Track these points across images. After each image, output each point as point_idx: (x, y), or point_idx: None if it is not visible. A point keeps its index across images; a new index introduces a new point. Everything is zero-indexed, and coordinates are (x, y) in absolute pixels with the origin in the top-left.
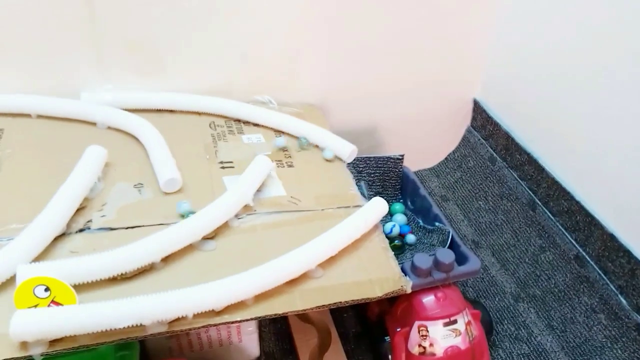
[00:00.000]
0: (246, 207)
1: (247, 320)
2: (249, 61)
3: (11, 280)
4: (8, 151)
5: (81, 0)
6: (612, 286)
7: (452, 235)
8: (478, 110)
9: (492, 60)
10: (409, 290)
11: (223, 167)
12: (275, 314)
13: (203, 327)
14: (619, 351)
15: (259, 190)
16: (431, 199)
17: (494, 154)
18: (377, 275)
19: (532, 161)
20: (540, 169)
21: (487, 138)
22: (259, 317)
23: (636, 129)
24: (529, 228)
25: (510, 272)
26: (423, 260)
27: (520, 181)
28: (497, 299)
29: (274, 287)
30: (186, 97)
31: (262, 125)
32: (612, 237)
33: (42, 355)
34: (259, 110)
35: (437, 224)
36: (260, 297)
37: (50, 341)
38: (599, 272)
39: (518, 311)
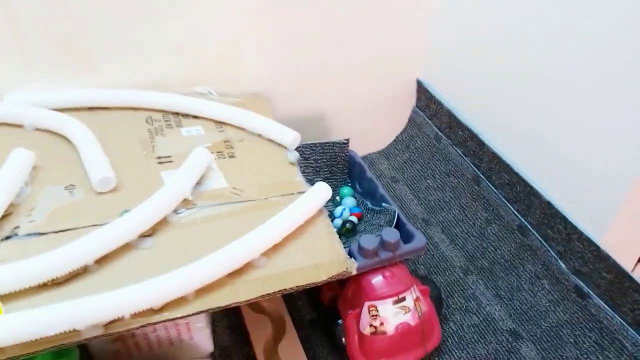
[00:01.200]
0: (185, 201)
1: (188, 315)
2: (185, 52)
3: None
4: None
5: None
6: (552, 252)
7: (397, 215)
8: (422, 90)
9: (433, 40)
10: (354, 272)
11: (161, 162)
12: (218, 307)
13: (142, 326)
14: (561, 313)
15: (198, 183)
16: (377, 181)
17: (439, 132)
18: (322, 260)
19: (473, 137)
20: (482, 144)
21: (432, 117)
22: (201, 312)
23: (569, 98)
24: (475, 202)
25: (459, 246)
26: (369, 240)
27: (465, 157)
28: (447, 274)
29: (215, 280)
30: (119, 92)
31: (202, 117)
32: (549, 205)
33: None
34: (198, 102)
35: (383, 204)
36: (202, 291)
37: None
38: (540, 239)
39: (467, 284)
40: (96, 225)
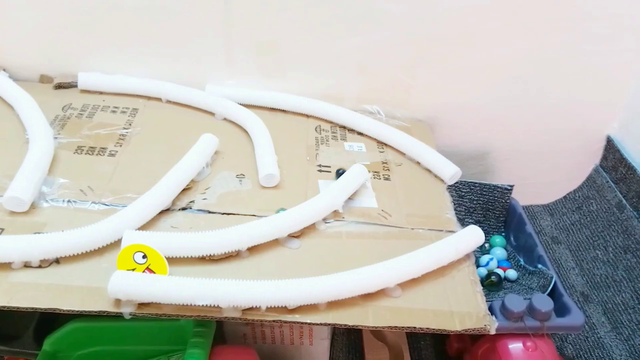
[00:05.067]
0: (335, 213)
1: (317, 324)
2: (364, 71)
3: (117, 242)
4: (138, 129)
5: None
6: None
7: (554, 281)
8: (611, 148)
9: (634, 95)
10: (492, 331)
11: (320, 170)
12: (346, 325)
13: (274, 321)
14: None
15: (350, 199)
16: (537, 238)
17: (624, 201)
18: (459, 308)
19: None
20: None
21: (618, 182)
22: (329, 324)
23: None
24: None
25: (624, 337)
26: (515, 302)
27: None
28: None
29: (348, 298)
30: (298, 99)
31: (366, 135)
32: None
33: (130, 315)
34: (365, 120)
35: (539, 266)
36: (334, 305)
37: (139, 304)
38: None
39: None
40: (255, 215)
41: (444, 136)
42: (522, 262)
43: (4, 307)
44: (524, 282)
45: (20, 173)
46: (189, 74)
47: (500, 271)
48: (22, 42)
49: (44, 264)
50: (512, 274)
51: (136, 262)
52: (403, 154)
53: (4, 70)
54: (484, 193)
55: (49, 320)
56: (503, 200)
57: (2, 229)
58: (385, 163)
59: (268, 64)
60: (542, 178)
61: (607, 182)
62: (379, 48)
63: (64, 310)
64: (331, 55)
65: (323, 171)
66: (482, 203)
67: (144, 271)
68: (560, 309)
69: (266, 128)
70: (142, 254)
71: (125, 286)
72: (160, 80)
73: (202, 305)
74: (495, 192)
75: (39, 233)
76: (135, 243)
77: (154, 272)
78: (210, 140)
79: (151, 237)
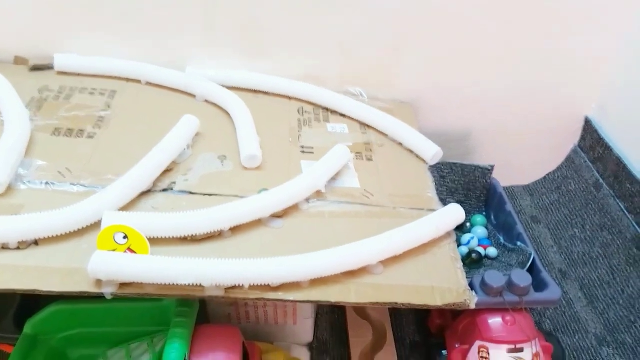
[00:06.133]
0: (318, 193)
1: (299, 301)
2: (345, 52)
3: (97, 224)
4: (117, 111)
5: None
6: None
7: (533, 258)
8: (589, 129)
9: (613, 77)
10: (472, 306)
11: (303, 152)
12: (329, 302)
13: (257, 299)
14: None
15: (333, 179)
16: (517, 217)
17: (601, 180)
18: (440, 284)
19: None
20: None
21: (595, 161)
22: (312, 302)
23: None
24: (630, 267)
25: (599, 311)
26: (495, 278)
27: (627, 214)
28: (576, 337)
29: (331, 275)
30: (280, 81)
31: (349, 117)
32: None
33: (111, 295)
34: (347, 101)
35: (519, 243)
36: (317, 282)
37: (121, 284)
38: None
39: (600, 356)
40: (237, 196)
41: (427, 118)
42: (502, 240)
43: None
44: (503, 260)
45: None
46: (168, 56)
47: (481, 249)
48: None
49: (22, 245)
50: (492, 251)
51: (117, 242)
52: (385, 135)
53: None
54: (466, 174)
55: (29, 305)
56: (484, 181)
57: None
58: (368, 144)
59: (249, 45)
60: (523, 159)
61: (585, 162)
62: (362, 29)
63: (43, 292)
64: (313, 36)
65: (306, 152)
66: (463, 183)
67: (125, 251)
68: (539, 285)
69: (248, 109)
70: (123, 235)
71: (105, 266)
72: (139, 61)
73: (185, 284)
74: (476, 172)
75: (16, 215)
76: (115, 224)
77: (136, 253)
78: (191, 122)
79: (132, 218)
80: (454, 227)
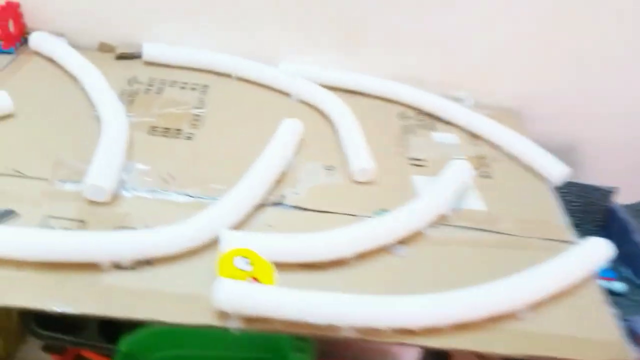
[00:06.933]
0: (441, 217)
1: (443, 348)
2: (448, 52)
3: (212, 242)
4: (211, 109)
5: None
6: None
7: None
8: None
9: None
10: None
11: (414, 165)
12: (473, 350)
13: (395, 343)
14: None
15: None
16: None
17: None
18: (594, 335)
19: None
20: None
21: None
22: (455, 349)
23: None
24: None
25: None
26: None
27: None
28: None
29: (476, 320)
30: (379, 82)
31: (456, 125)
32: None
33: (238, 330)
34: (455, 108)
35: None
36: (459, 327)
37: (246, 318)
38: None
39: None
40: (353, 215)
41: (531, 127)
42: (629, 275)
43: (99, 315)
44: (635, 298)
45: (99, 158)
46: (260, 49)
47: (619, 285)
48: (83, 6)
49: (135, 265)
50: (619, 286)
51: (238, 268)
52: (499, 148)
53: (62, 36)
54: (583, 194)
55: None
56: (603, 204)
57: (83, 221)
58: (482, 158)
59: (345, 40)
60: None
61: None
62: (471, 28)
63: (164, 323)
64: (415, 33)
65: (416, 165)
66: (579, 205)
67: (247, 279)
68: None
69: (351, 113)
70: (246, 260)
71: (234, 297)
72: (229, 54)
73: (317, 323)
74: (595, 193)
75: (125, 227)
76: (238, 247)
77: (259, 281)
78: (295, 127)
79: (253, 239)
80: (600, 265)
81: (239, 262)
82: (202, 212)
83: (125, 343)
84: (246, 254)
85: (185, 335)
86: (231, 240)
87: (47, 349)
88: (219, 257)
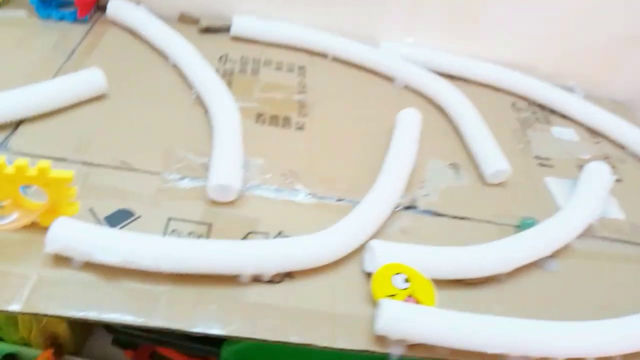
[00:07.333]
0: (587, 228)
1: None
2: (562, 37)
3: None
4: (314, 94)
5: None
6: None
7: None
8: None
9: None
10: None
11: (541, 165)
12: None
13: None
14: None
15: None
16: None
17: None
18: None
19: None
20: None
21: None
22: None
23: None
24: None
25: None
26: None
27: None
28: None
29: None
30: (488, 68)
31: (572, 119)
32: None
33: (399, 357)
34: (573, 101)
35: None
36: (630, 356)
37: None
38: None
39: None
40: (491, 222)
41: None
42: None
43: (244, 338)
44: None
45: (219, 152)
46: (359, 26)
47: None
48: None
49: (276, 278)
50: None
51: (396, 287)
52: (623, 147)
53: (139, 4)
54: None
55: None
56: None
57: (210, 224)
58: (607, 158)
59: (451, 21)
60: None
61: None
62: (590, 11)
63: (317, 347)
64: (528, 16)
65: (545, 165)
66: None
67: (405, 299)
68: None
69: (472, 104)
70: (404, 277)
71: (399, 323)
72: (324, 31)
73: (488, 352)
74: None
75: (257, 233)
76: (395, 263)
77: (418, 302)
78: (416, 119)
79: (404, 252)
80: None
81: (397, 280)
82: (346, 219)
83: (226, 352)
84: (403, 270)
85: (291, 350)
86: (386, 254)
87: (119, 343)
88: (374, 274)
